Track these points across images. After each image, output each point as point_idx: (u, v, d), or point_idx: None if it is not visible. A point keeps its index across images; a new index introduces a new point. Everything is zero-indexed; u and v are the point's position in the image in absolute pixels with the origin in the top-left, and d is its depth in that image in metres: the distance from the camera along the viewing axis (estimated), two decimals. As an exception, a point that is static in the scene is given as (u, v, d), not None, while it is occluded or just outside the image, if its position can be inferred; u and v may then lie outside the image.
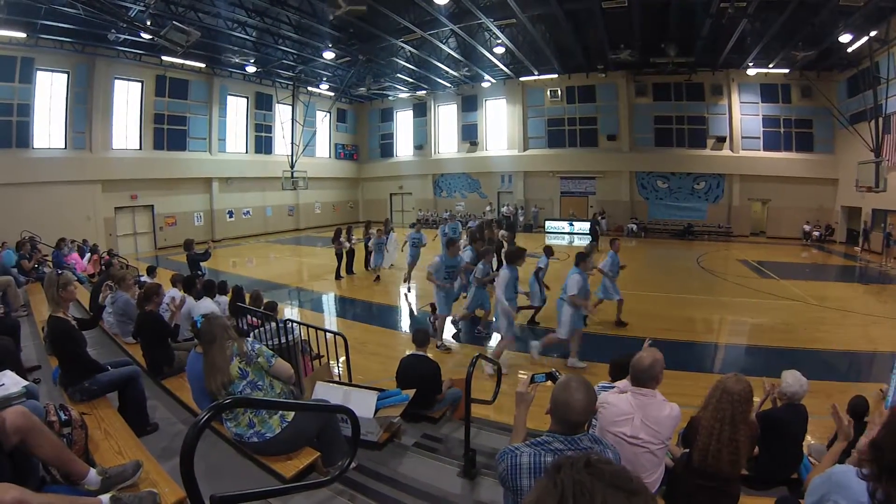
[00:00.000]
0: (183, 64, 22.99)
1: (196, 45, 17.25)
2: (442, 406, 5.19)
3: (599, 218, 27.76)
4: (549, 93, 29.79)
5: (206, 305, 6.18)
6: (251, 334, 5.72)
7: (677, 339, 9.41)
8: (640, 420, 2.95)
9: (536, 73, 27.21)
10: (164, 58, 21.69)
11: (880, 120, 19.34)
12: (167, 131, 24.68)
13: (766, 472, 3.67)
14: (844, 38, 18.82)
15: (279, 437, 3.30)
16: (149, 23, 15.48)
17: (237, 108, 28.66)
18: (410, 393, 4.50)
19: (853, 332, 9.95)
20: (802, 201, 25.97)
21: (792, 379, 3.88)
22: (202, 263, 11.96)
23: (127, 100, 23.15)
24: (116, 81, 22.49)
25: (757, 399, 3.66)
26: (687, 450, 3.22)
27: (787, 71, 23.99)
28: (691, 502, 3.02)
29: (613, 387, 3.49)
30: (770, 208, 27.28)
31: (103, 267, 11.83)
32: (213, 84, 26.49)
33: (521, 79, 29.11)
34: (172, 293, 6.73)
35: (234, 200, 28.57)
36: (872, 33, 18.25)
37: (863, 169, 19.95)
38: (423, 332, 5.48)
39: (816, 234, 24.68)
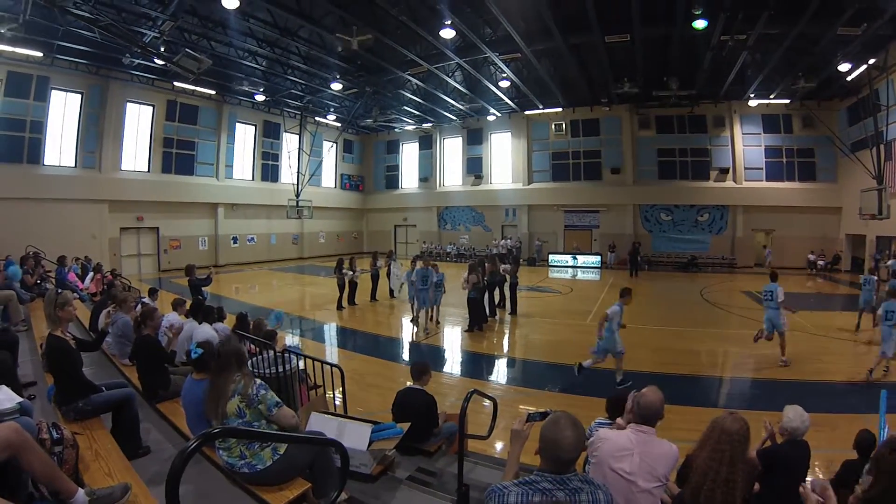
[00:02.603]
0: (194, 90, 23.39)
1: (207, 73, 17.57)
2: (437, 440, 5.10)
3: (609, 251, 28.19)
4: (553, 126, 30.15)
5: (205, 332, 6.13)
6: (249, 362, 5.68)
7: (680, 372, 9.33)
8: (639, 457, 2.90)
9: (541, 106, 27.54)
10: (175, 83, 22.07)
11: (881, 147, 19.53)
12: (175, 155, 25.05)
13: None
14: (843, 66, 19.19)
15: (270, 469, 3.27)
16: (162, 49, 15.82)
17: (245, 136, 29.16)
18: (405, 426, 4.45)
19: (859, 362, 9.82)
20: (806, 230, 26.16)
21: (793, 414, 3.78)
22: (204, 288, 11.98)
23: (138, 123, 23.62)
24: (128, 104, 22.99)
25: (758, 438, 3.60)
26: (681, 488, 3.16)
27: (788, 101, 24.38)
28: (685, 541, 2.96)
29: (611, 423, 3.44)
30: (774, 238, 27.34)
31: (105, 287, 11.84)
32: (222, 111, 26.97)
33: (526, 112, 29.45)
34: (171, 318, 6.73)
35: (238, 227, 28.80)
36: (871, 61, 18.69)
37: (866, 196, 20.09)
38: (421, 365, 5.39)
39: (821, 263, 24.57)
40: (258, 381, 3.49)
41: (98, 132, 21.86)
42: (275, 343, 5.94)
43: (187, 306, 7.75)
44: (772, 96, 23.70)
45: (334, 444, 3.34)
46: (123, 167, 22.97)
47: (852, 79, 20.43)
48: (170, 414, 4.54)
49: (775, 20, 15.66)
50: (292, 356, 5.91)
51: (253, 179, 29.81)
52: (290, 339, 10.92)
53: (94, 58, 19.87)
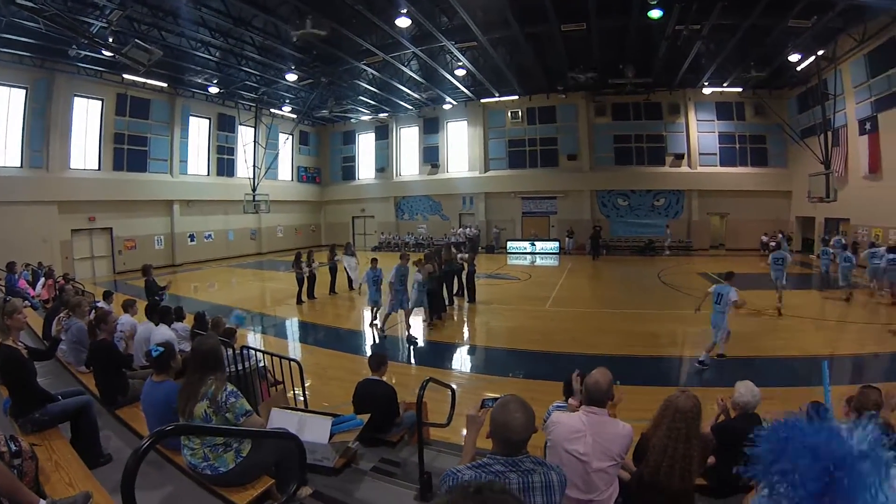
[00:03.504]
0: (145, 83, 22.62)
1: (158, 64, 17.07)
2: (399, 430, 5.19)
3: (567, 237, 28.55)
4: (509, 114, 30.30)
5: (163, 334, 6.06)
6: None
7: (638, 354, 9.63)
8: (592, 438, 3.00)
9: (497, 94, 27.66)
10: (125, 76, 21.33)
11: (829, 134, 20.41)
12: (127, 152, 24.20)
13: (725, 480, 3.76)
14: (794, 57, 20.03)
15: (234, 470, 3.30)
16: (111, 40, 15.20)
17: (199, 130, 28.32)
18: (365, 418, 4.50)
19: (810, 338, 10.34)
20: (759, 214, 27.13)
21: (744, 389, 4.01)
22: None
23: (86, 118, 22.66)
24: (76, 99, 22.00)
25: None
26: (638, 466, 3.32)
27: (740, 89, 25.24)
28: (647, 518, 3.12)
29: (565, 405, 3.57)
30: (729, 221, 28.26)
31: (57, 292, 11.49)
32: (175, 104, 26.19)
33: (483, 101, 29.48)
34: (123, 320, 6.62)
35: (195, 224, 28.04)
36: (820, 52, 19.53)
37: (814, 181, 20.84)
38: (378, 356, 5.46)
39: (773, 244, 25.49)
40: (230, 387, 3.45)
41: (44, 129, 20.89)
42: (234, 341, 5.92)
43: (138, 307, 7.61)
44: (725, 85, 24.49)
45: (289, 437, 3.36)
46: (73, 166, 22.06)
47: (802, 69, 21.33)
48: (130, 419, 4.50)
49: (728, 11, 16.09)
50: (252, 353, 5.91)
51: (208, 175, 29.04)
52: (252, 337, 10.85)
53: (38, 50, 18.93)
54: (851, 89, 20.71)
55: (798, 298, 14.55)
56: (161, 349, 3.89)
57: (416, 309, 11.57)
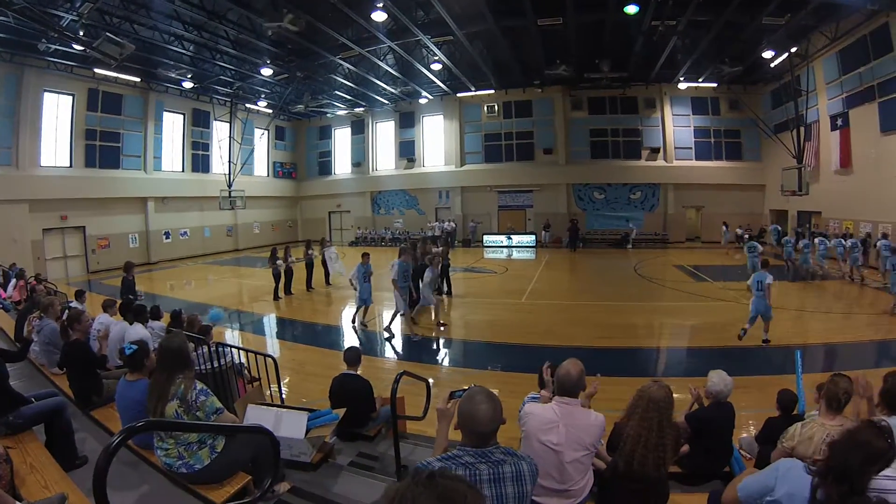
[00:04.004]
0: (117, 77, 22.13)
1: (131, 59, 16.76)
2: (376, 424, 5.23)
3: (543, 230, 28.74)
4: (485, 108, 30.36)
5: (138, 332, 6.02)
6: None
7: (615, 346, 9.80)
8: (565, 428, 3.06)
9: (473, 89, 27.70)
10: (97, 70, 20.81)
11: (801, 129, 20.89)
12: (100, 148, 23.66)
13: (699, 468, 3.89)
14: (768, 54, 20.58)
15: (209, 467, 3.32)
16: (81, 33, 14.88)
17: (174, 125, 27.80)
18: (341, 412, 4.53)
19: (784, 327, 10.60)
20: (734, 207, 27.63)
21: (717, 378, 4.12)
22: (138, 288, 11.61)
23: (57, 114, 22.09)
24: (46, 94, 21.40)
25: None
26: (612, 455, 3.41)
27: (715, 85, 25.79)
28: (622, 504, 3.21)
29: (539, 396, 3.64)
30: (704, 214, 28.73)
31: (29, 293, 11.28)
32: (148, 99, 25.67)
33: (459, 95, 29.43)
34: (102, 318, 6.56)
35: (170, 221, 27.53)
36: (793, 49, 19.98)
37: (787, 175, 21.34)
38: (353, 350, 5.48)
39: (747, 236, 25.97)
40: (200, 385, 3.45)
41: (14, 125, 20.33)
42: (209, 338, 5.91)
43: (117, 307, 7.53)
44: (700, 80, 24.94)
45: (262, 431, 3.34)
46: (43, 163, 21.51)
47: (776, 65, 21.80)
48: (105, 420, 4.47)
49: (704, 7, 16.35)
50: (228, 350, 5.91)
51: (183, 171, 28.55)
52: (229, 334, 10.80)
53: (7, 44, 18.42)
54: (824, 86, 21.32)
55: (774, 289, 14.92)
56: (134, 347, 3.87)
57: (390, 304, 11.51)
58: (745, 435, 4.77)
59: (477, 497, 0.91)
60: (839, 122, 20.58)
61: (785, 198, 22.70)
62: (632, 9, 16.60)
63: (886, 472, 2.19)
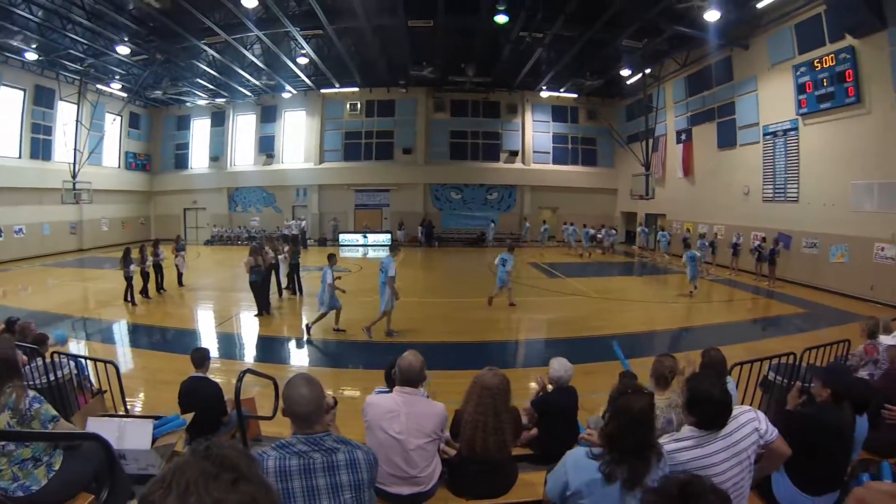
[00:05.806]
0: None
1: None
2: (229, 428, 5.04)
3: (399, 229, 29.57)
4: (348, 106, 30.33)
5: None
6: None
7: (464, 340, 10.22)
8: (406, 417, 3.21)
9: (338, 85, 27.59)
10: None
11: (650, 141, 24.09)
12: None
13: (547, 448, 4.16)
14: (625, 72, 23.52)
15: (47, 488, 3.10)
16: None
17: (11, 102, 23.92)
18: (189, 416, 4.35)
19: (630, 317, 11.72)
20: (588, 208, 30.08)
21: (558, 365, 4.56)
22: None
23: None
24: None
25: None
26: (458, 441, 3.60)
27: (576, 95, 28.35)
28: (471, 487, 3.44)
29: (389, 391, 3.69)
30: (560, 215, 30.78)
31: None
32: (-22, 69, 22.07)
33: (323, 91, 29.19)
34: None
35: (2, 215, 23.61)
36: (648, 70, 23.02)
37: (636, 180, 24.61)
38: (200, 352, 5.28)
39: (599, 236, 27.95)
40: (32, 393, 3.23)
41: None
42: (44, 348, 5.33)
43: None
44: (562, 90, 27.25)
45: (92, 438, 3.08)
46: None
47: (632, 83, 24.91)
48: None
49: (570, 24, 17.72)
50: (67, 361, 5.36)
51: (20, 157, 24.53)
52: (73, 344, 9.71)
53: None
54: (672, 104, 24.61)
55: (619, 284, 16.45)
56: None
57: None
58: (594, 417, 5.18)
59: (250, 462, 0.98)
60: (683, 136, 23.86)
61: (634, 201, 25.70)
62: (502, 18, 17.50)
63: (682, 442, 2.49)
